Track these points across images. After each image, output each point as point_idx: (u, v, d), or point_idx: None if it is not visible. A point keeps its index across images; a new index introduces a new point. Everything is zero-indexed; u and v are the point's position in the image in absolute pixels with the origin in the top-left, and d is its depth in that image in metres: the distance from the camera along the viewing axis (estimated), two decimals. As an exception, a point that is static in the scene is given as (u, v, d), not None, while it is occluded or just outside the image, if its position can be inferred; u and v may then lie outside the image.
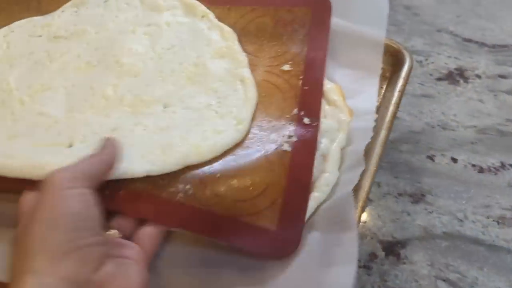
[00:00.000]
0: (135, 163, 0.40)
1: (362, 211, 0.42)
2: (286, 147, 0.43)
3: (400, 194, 0.51)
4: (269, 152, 0.42)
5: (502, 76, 0.65)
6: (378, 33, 0.52)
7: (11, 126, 0.45)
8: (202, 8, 0.57)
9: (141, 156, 0.41)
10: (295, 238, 0.38)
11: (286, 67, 0.50)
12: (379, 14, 0.53)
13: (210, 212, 0.39)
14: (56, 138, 0.44)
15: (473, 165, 0.54)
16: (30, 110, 0.46)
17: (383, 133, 0.48)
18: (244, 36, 0.54)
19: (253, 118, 0.46)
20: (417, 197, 0.51)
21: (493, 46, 0.69)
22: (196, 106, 0.46)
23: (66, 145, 0.43)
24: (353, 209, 0.38)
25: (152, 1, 0.58)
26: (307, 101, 0.48)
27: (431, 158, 0.55)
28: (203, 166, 0.41)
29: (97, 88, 0.48)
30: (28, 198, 0.33)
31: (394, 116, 0.49)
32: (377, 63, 0.51)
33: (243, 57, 0.51)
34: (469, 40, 0.70)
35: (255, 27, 0.55)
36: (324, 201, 0.41)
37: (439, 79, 0.64)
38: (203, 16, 0.56)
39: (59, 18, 0.58)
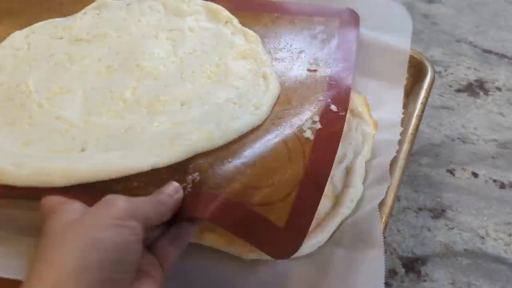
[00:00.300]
0: (140, 157, 0.37)
1: (385, 226, 0.40)
2: (309, 134, 0.40)
3: (420, 209, 0.50)
4: (289, 138, 0.40)
5: (523, 89, 0.64)
6: (403, 44, 0.51)
7: (27, 130, 0.44)
8: (225, 13, 0.56)
9: (148, 150, 0.38)
10: (299, 239, 0.35)
11: (312, 67, 0.49)
12: (404, 24, 0.52)
13: (218, 195, 0.35)
14: (70, 143, 0.42)
15: (494, 181, 0.53)
16: (47, 114, 0.45)
17: (405, 146, 0.47)
18: (268, 41, 0.53)
19: (275, 106, 0.44)
20: (438, 212, 0.50)
21: (513, 58, 0.68)
22: (215, 101, 0.44)
23: (79, 150, 0.41)
24: (379, 225, 0.37)
25: (176, 6, 0.57)
26: (335, 90, 0.45)
27: (451, 172, 0.54)
28: (214, 153, 0.38)
29: (115, 91, 0.47)
30: (52, 202, 0.32)
31: (417, 129, 0.48)
32: (402, 74, 0.50)
33: (266, 57, 0.50)
34: (489, 51, 0.69)
35: (280, 34, 0.54)
36: (348, 216, 0.40)
37: (458, 90, 0.63)
38: (226, 22, 0.55)
39: (81, 21, 0.57)
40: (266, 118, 0.42)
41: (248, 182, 0.36)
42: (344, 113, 0.42)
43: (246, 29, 0.54)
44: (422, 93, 0.52)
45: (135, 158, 0.38)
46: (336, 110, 0.43)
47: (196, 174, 0.36)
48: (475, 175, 0.53)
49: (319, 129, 0.41)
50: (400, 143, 0.47)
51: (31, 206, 0.39)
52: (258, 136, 0.41)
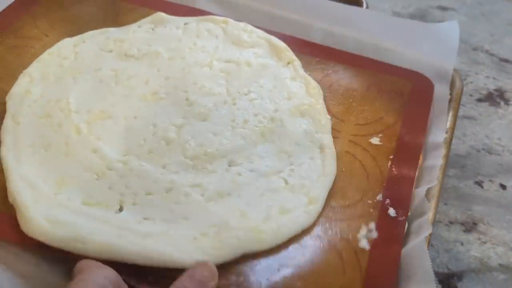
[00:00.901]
0: (186, 250, 0.35)
1: (428, 244, 0.40)
2: (364, 243, 0.38)
3: (451, 222, 0.49)
4: (342, 248, 0.37)
5: (542, 99, 0.64)
6: (447, 65, 0.51)
7: (61, 162, 0.41)
8: (289, 53, 0.52)
9: (194, 238, 0.36)
10: None
11: (375, 141, 0.45)
12: (449, 44, 0.51)
13: None
14: (106, 195, 0.39)
15: (523, 193, 0.53)
16: (84, 143, 0.43)
17: (442, 162, 0.46)
18: (330, 93, 0.50)
19: (328, 197, 0.41)
20: (469, 226, 0.49)
21: (530, 67, 0.68)
22: (265, 170, 0.42)
23: (116, 209, 0.39)
24: (429, 259, 0.36)
25: (236, 34, 0.54)
26: (395, 188, 0.42)
27: (479, 184, 0.53)
28: (262, 256, 0.37)
29: (159, 126, 0.44)
30: (86, 264, 0.31)
31: (451, 142, 0.48)
32: (445, 95, 0.50)
33: (326, 120, 0.47)
34: (506, 60, 0.69)
35: (344, 86, 0.50)
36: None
37: (479, 100, 0.63)
38: (288, 63, 0.52)
39: (133, 34, 0.54)
40: (319, 216, 0.40)
41: None
42: (403, 218, 0.40)
43: (309, 77, 0.50)
44: (452, 105, 0.51)
45: (178, 247, 0.35)
46: (395, 215, 0.40)
47: (242, 278, 0.35)
48: (503, 187, 0.53)
49: (376, 238, 0.38)
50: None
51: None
52: (310, 240, 0.38)
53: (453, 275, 0.45)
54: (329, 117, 0.48)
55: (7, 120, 0.45)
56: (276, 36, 0.55)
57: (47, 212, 0.37)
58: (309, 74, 0.52)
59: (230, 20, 0.57)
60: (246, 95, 0.48)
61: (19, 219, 0.37)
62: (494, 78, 0.66)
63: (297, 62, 0.52)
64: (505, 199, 0.52)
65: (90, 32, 0.55)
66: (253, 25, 0.57)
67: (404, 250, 0.39)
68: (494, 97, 0.64)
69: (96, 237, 0.35)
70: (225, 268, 0.35)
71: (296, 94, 0.49)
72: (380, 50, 0.55)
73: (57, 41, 0.54)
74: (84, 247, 0.35)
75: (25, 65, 0.51)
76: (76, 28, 0.55)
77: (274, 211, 0.39)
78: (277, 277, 0.35)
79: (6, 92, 0.48)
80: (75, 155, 0.42)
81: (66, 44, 0.53)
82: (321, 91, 0.50)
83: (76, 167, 0.41)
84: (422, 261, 0.36)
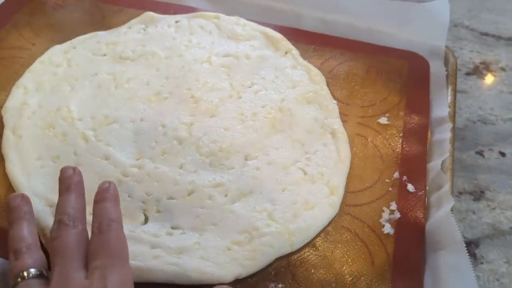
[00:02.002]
0: (221, 263, 0.35)
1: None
2: (388, 228, 0.38)
3: (460, 193, 0.51)
4: (368, 238, 0.38)
5: (525, 68, 0.66)
6: (439, 42, 0.53)
7: None
8: (286, 43, 0.52)
9: (227, 249, 0.36)
10: None
11: (384, 120, 0.46)
12: (440, 23, 0.53)
13: None
14: (127, 204, 0.38)
15: (521, 158, 0.55)
16: (94, 151, 0.41)
17: (450, 135, 0.47)
18: (332, 79, 0.50)
19: (347, 183, 0.42)
20: (477, 195, 0.51)
21: (509, 39, 0.71)
22: (282, 162, 0.42)
23: (141, 220, 0.38)
24: (458, 230, 0.37)
25: (230, 28, 0.53)
26: (410, 164, 0.43)
27: (480, 153, 0.55)
28: (294, 256, 0.37)
29: (169, 126, 0.43)
30: None
31: (455, 116, 0.49)
32: (441, 71, 0.51)
33: (333, 105, 0.47)
34: (486, 34, 0.72)
35: (344, 70, 0.51)
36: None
37: (468, 74, 0.65)
38: (287, 52, 0.52)
39: (125, 36, 0.52)
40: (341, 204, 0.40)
41: None
42: (423, 192, 0.41)
43: (309, 65, 0.50)
44: (450, 80, 0.53)
45: (213, 261, 0.35)
46: (414, 190, 0.41)
47: (280, 285, 0.35)
48: (502, 154, 0.55)
49: (399, 218, 0.39)
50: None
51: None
52: (336, 232, 0.38)
53: (470, 243, 0.47)
54: (335, 102, 0.48)
55: (7, 135, 0.43)
56: (269, 27, 0.55)
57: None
58: (307, 62, 0.52)
59: (222, 15, 0.56)
60: (250, 87, 0.48)
61: (44, 242, 0.35)
62: (478, 52, 0.68)
63: (295, 51, 0.52)
64: (506, 166, 0.54)
65: (79, 38, 0.53)
66: (244, 18, 0.56)
67: (428, 225, 0.40)
68: (480, 70, 0.66)
69: (132, 262, 0.33)
70: (262, 277, 0.36)
71: (299, 82, 0.49)
72: (373, 33, 0.56)
73: (45, 49, 0.52)
74: None
75: (16, 76, 0.49)
76: (63, 34, 0.54)
77: (299, 208, 0.39)
78: (310, 275, 0.36)
79: (0, 106, 0.46)
80: (86, 164, 0.41)
81: (57, 52, 0.51)
82: (323, 78, 0.50)
83: (91, 176, 0.40)
84: (451, 233, 0.37)
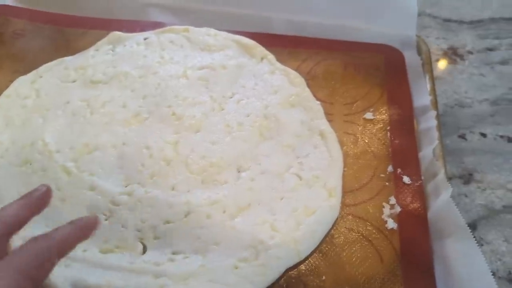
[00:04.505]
0: (232, 285, 0.34)
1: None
2: (391, 223, 0.38)
3: (450, 178, 0.51)
4: (373, 236, 0.38)
5: (490, 49, 0.68)
6: (409, 32, 0.54)
7: (60, 210, 0.37)
8: (260, 49, 0.51)
9: (234, 267, 0.34)
10: None
11: (369, 116, 0.46)
12: (408, 14, 0.53)
13: None
14: (122, 235, 0.36)
15: (501, 136, 0.56)
16: (78, 183, 0.39)
17: (436, 122, 0.48)
18: (311, 80, 0.49)
19: (342, 183, 0.41)
20: (466, 178, 0.51)
21: (471, 22, 0.73)
22: (275, 170, 0.41)
23: (139, 250, 0.36)
24: (461, 216, 0.37)
25: (201, 40, 0.51)
26: (402, 156, 0.43)
27: (462, 137, 0.56)
28: (303, 265, 0.36)
29: (153, 148, 0.41)
30: None
31: (436, 103, 0.50)
32: (416, 60, 0.51)
33: (317, 106, 0.47)
34: (449, 20, 0.73)
35: (322, 70, 0.51)
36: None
37: (437, 60, 0.66)
38: (262, 58, 0.51)
39: (93, 59, 0.50)
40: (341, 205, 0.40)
41: None
42: (420, 182, 0.41)
43: (287, 68, 0.50)
44: (427, 68, 0.53)
45: (222, 282, 0.34)
46: (410, 181, 0.41)
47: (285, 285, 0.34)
48: (483, 135, 0.56)
49: (400, 212, 0.39)
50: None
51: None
52: (340, 236, 0.38)
53: (468, 226, 0.47)
54: (318, 102, 0.48)
55: None
56: (240, 35, 0.54)
57: (70, 275, 0.33)
58: (284, 65, 0.52)
59: (191, 27, 0.55)
60: (231, 97, 0.47)
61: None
62: (444, 38, 0.70)
63: (270, 56, 0.52)
64: (488, 146, 0.55)
65: (45, 65, 0.50)
66: (213, 28, 0.55)
67: (430, 214, 0.40)
68: (449, 55, 0.67)
69: None
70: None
71: (280, 86, 0.48)
72: (344, 30, 0.56)
73: (9, 81, 0.49)
74: None
75: (-19, 114, 0.46)
76: (26, 64, 0.51)
77: (300, 214, 0.38)
78: (319, 281, 0.35)
79: None
80: (72, 197, 0.38)
81: (22, 83, 0.48)
82: (303, 79, 0.50)
83: (78, 210, 0.37)
84: (454, 219, 0.37)
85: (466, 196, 0.50)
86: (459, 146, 0.55)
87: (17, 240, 0.33)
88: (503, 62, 0.66)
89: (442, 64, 0.66)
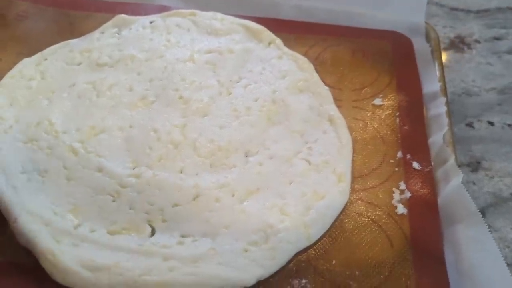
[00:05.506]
0: (240, 266, 0.33)
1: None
2: (401, 209, 0.38)
3: (458, 166, 0.51)
4: (383, 222, 0.37)
5: (497, 38, 0.68)
6: (418, 18, 0.54)
7: (67, 187, 0.37)
8: (268, 33, 0.51)
9: (244, 250, 0.34)
10: None
11: (378, 101, 0.45)
12: (417, 0, 0.52)
13: None
14: (130, 217, 0.36)
15: (509, 125, 0.55)
16: (86, 163, 0.39)
17: (445, 108, 0.47)
18: (319, 66, 0.49)
19: (352, 168, 0.41)
20: (474, 165, 0.51)
21: (478, 12, 0.72)
22: (284, 155, 0.40)
23: (148, 232, 0.35)
24: (472, 202, 0.37)
25: (208, 24, 0.51)
26: (412, 142, 0.43)
27: (470, 125, 0.55)
28: (313, 249, 0.36)
29: (161, 131, 0.41)
30: None
31: (446, 89, 0.49)
32: (424, 47, 0.51)
33: (326, 92, 0.46)
34: (456, 9, 0.73)
35: (330, 56, 0.50)
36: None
37: (445, 49, 0.66)
38: (270, 43, 0.50)
39: (98, 42, 0.49)
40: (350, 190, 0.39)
41: (361, 286, 0.34)
42: (429, 168, 0.40)
43: (296, 53, 0.49)
44: (436, 55, 0.53)
45: (232, 265, 0.33)
46: (420, 167, 0.40)
47: (304, 281, 0.34)
48: (491, 123, 0.56)
49: (410, 197, 0.38)
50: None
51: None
52: (350, 221, 0.38)
53: (476, 213, 0.47)
54: (327, 88, 0.47)
55: None
56: (246, 20, 0.53)
57: (78, 254, 0.32)
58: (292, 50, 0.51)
59: (197, 11, 0.54)
60: (238, 82, 0.47)
61: (47, 267, 0.32)
62: (451, 27, 0.69)
63: (278, 41, 0.51)
64: (496, 134, 0.54)
65: (50, 48, 0.50)
66: (220, 12, 0.55)
67: (440, 200, 0.39)
68: (456, 44, 0.67)
69: (147, 278, 0.32)
70: (284, 274, 0.34)
71: (288, 71, 0.48)
72: (353, 16, 0.55)
73: (13, 63, 0.48)
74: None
75: (-15, 94, 0.45)
76: (30, 46, 0.50)
77: (310, 199, 0.37)
78: (332, 268, 0.35)
79: None
80: (79, 178, 0.38)
81: (27, 64, 0.48)
82: (311, 65, 0.49)
83: (85, 191, 0.37)
84: (465, 204, 0.37)
85: (474, 183, 0.49)
86: (467, 134, 0.54)
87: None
88: (510, 52, 0.65)
89: (449, 52, 0.65)
